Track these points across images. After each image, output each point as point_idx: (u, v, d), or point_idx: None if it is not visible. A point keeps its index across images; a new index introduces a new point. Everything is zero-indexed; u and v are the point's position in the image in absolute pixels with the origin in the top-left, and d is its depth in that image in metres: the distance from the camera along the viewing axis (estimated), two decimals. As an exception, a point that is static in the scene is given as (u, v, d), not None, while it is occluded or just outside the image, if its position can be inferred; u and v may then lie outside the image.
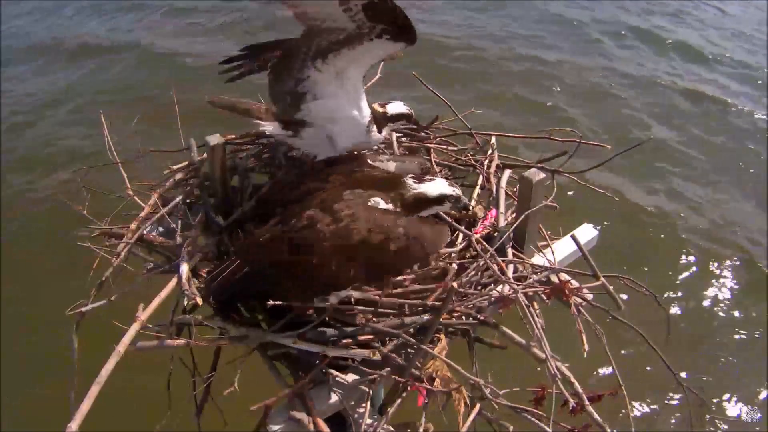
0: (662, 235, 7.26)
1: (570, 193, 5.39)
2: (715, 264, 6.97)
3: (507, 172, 3.19)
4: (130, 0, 12.70)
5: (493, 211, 3.02)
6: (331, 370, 2.42)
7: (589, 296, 2.66)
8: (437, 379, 2.41)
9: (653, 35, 11.99)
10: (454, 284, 2.35)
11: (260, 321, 2.51)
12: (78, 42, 11.18)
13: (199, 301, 2.48)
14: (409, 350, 2.48)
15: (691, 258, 7.01)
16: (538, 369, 2.41)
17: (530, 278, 2.66)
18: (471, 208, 2.32)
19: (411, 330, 2.44)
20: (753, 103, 10.02)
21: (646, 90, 10.05)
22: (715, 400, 5.55)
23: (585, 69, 10.50)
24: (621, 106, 9.53)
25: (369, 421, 2.40)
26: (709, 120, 9.49)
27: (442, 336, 2.53)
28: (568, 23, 12.20)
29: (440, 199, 2.38)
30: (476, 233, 2.85)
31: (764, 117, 9.63)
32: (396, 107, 2.96)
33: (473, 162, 3.41)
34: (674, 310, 6.30)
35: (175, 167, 3.25)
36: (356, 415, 2.43)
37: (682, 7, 13.42)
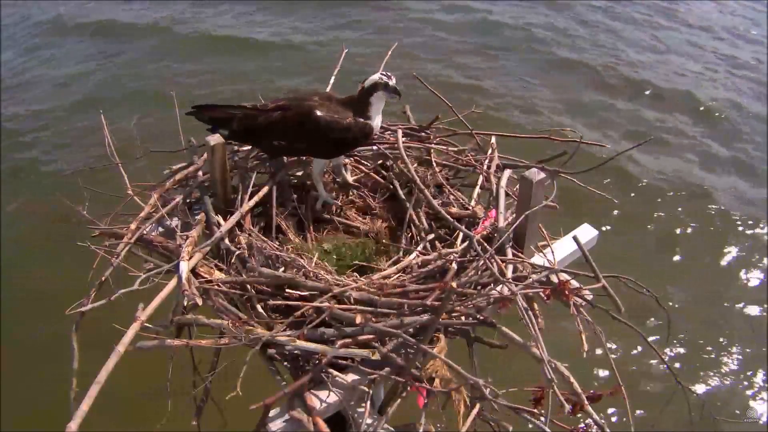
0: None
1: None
2: (716, 261, 6.98)
3: (507, 172, 3.19)
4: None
5: (494, 212, 3.02)
6: (331, 370, 2.42)
7: (590, 297, 2.65)
8: (437, 379, 2.41)
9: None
10: (454, 284, 2.35)
11: (260, 321, 2.51)
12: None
13: (199, 301, 2.48)
14: (408, 350, 2.48)
15: (691, 256, 7.03)
16: (539, 369, 2.41)
17: (530, 278, 2.66)
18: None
19: (411, 330, 2.44)
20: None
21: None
22: (715, 399, 5.56)
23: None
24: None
25: (369, 421, 2.41)
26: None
27: (442, 336, 2.53)
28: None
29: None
30: (476, 233, 2.85)
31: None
32: (370, 79, 2.98)
33: (473, 162, 3.41)
34: (675, 307, 6.30)
35: (175, 167, 3.25)
36: (356, 415, 2.44)
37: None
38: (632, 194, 7.69)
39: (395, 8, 12.09)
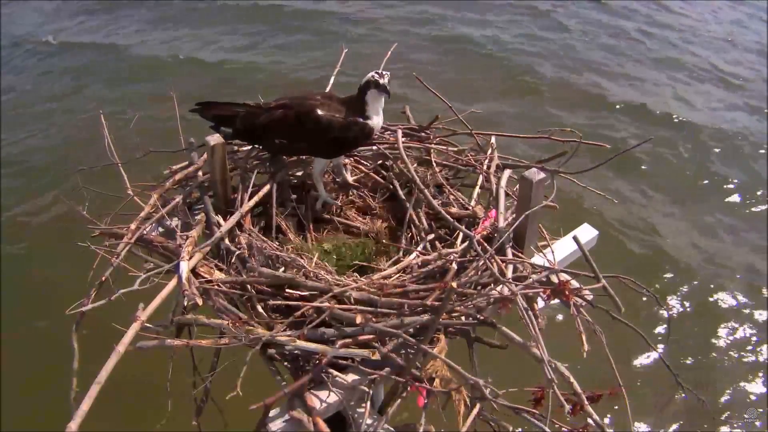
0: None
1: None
2: (715, 263, 6.99)
3: (507, 172, 3.19)
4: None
5: (494, 212, 3.02)
6: (331, 370, 2.42)
7: (590, 297, 2.65)
8: (437, 379, 2.41)
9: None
10: (454, 284, 2.35)
11: (260, 321, 2.51)
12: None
13: (199, 301, 2.48)
14: (408, 350, 2.48)
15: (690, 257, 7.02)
16: (539, 369, 2.41)
17: (530, 278, 2.66)
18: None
19: (411, 330, 2.44)
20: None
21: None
22: (714, 399, 5.56)
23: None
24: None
25: (369, 421, 2.41)
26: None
27: (442, 336, 2.53)
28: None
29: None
30: (476, 233, 2.85)
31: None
32: (365, 78, 2.98)
33: (473, 162, 3.41)
34: (674, 310, 6.31)
35: (175, 167, 3.25)
36: (356, 415, 2.44)
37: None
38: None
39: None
